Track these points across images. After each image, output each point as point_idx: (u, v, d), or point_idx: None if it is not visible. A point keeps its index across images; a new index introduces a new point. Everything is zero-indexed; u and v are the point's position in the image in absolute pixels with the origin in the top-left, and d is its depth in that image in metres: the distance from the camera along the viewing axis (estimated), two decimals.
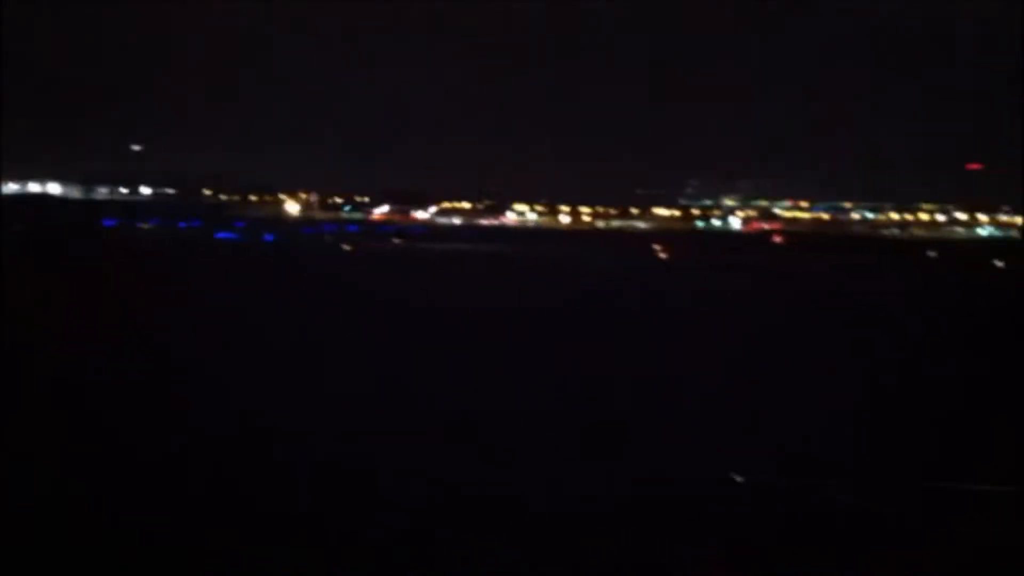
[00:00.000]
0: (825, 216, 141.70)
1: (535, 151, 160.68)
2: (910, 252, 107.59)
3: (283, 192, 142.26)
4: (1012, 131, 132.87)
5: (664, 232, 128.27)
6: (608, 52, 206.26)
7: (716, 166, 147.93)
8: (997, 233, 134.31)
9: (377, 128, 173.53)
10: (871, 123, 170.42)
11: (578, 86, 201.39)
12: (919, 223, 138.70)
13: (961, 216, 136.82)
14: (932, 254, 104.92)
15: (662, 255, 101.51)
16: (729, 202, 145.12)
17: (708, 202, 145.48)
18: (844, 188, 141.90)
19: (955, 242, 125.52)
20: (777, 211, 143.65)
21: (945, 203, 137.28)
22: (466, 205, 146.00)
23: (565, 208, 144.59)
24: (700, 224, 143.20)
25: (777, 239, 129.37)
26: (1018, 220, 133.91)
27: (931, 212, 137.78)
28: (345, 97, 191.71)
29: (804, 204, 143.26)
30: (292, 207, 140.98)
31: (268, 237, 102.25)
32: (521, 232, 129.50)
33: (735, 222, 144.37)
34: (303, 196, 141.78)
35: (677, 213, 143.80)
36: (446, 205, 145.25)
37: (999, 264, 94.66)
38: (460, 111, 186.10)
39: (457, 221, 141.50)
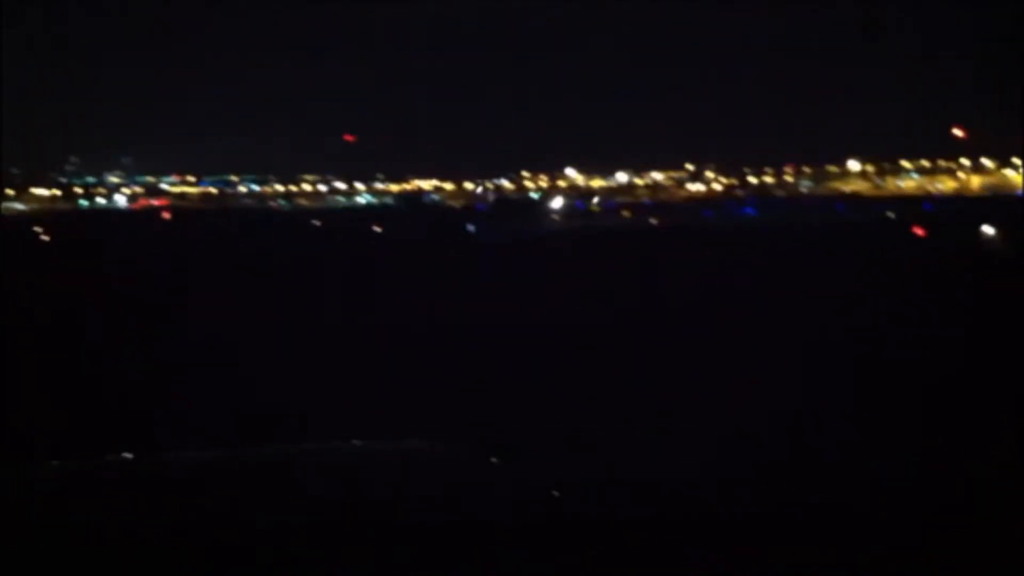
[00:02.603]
0: (213, 190, 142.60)
1: None
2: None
3: None
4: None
5: (46, 213, 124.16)
6: None
7: (99, 141, 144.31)
8: (375, 201, 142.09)
9: None
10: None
11: None
12: (304, 194, 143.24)
13: (341, 185, 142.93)
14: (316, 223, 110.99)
15: (45, 237, 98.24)
16: (114, 179, 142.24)
17: (91, 180, 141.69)
18: (230, 162, 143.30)
19: (339, 211, 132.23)
20: (164, 187, 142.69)
21: (325, 174, 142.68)
22: None
23: None
24: (84, 203, 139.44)
25: (166, 215, 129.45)
26: (393, 187, 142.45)
27: (313, 183, 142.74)
28: None
29: (191, 179, 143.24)
30: None
31: None
32: None
33: (121, 200, 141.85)
34: None
35: (58, 192, 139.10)
36: None
37: (378, 229, 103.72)
38: None
39: None
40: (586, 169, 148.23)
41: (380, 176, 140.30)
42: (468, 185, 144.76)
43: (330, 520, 13.90)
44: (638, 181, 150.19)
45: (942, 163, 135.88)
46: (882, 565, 13.68)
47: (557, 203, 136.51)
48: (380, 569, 12.89)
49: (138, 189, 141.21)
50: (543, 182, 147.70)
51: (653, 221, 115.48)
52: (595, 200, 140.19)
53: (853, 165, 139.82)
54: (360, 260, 70.84)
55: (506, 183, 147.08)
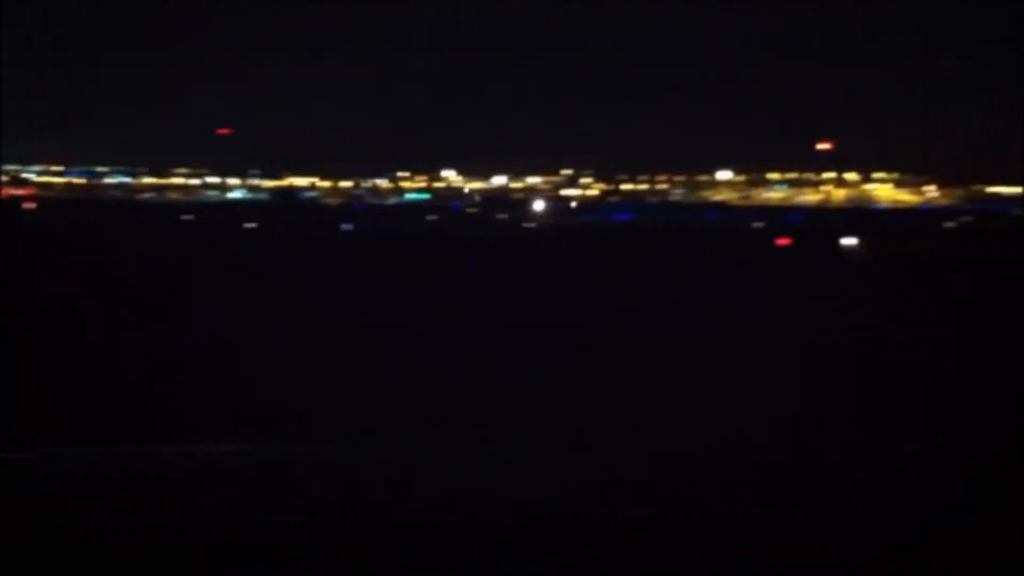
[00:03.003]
0: (80, 180, 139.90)
1: None
2: None
3: None
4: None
5: None
6: None
7: None
8: (248, 195, 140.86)
9: None
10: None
11: None
12: (175, 187, 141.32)
13: (214, 180, 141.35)
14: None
15: None
16: None
17: None
18: (97, 153, 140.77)
19: (211, 205, 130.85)
20: (29, 176, 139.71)
21: (199, 168, 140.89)
22: None
23: None
24: None
25: (30, 205, 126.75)
26: (268, 183, 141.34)
27: (186, 176, 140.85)
28: None
29: (57, 168, 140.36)
30: None
31: None
32: None
33: None
34: None
35: None
36: None
37: (251, 225, 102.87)
38: None
39: None
40: (464, 171, 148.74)
41: (255, 172, 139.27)
42: (344, 184, 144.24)
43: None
44: (515, 184, 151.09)
45: (809, 176, 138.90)
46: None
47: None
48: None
49: (3, 178, 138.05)
50: (421, 183, 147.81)
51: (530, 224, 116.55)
52: (476, 199, 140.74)
53: (723, 175, 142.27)
54: (232, 256, 70.35)
55: (383, 183, 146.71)
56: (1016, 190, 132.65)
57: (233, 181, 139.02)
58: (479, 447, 19.06)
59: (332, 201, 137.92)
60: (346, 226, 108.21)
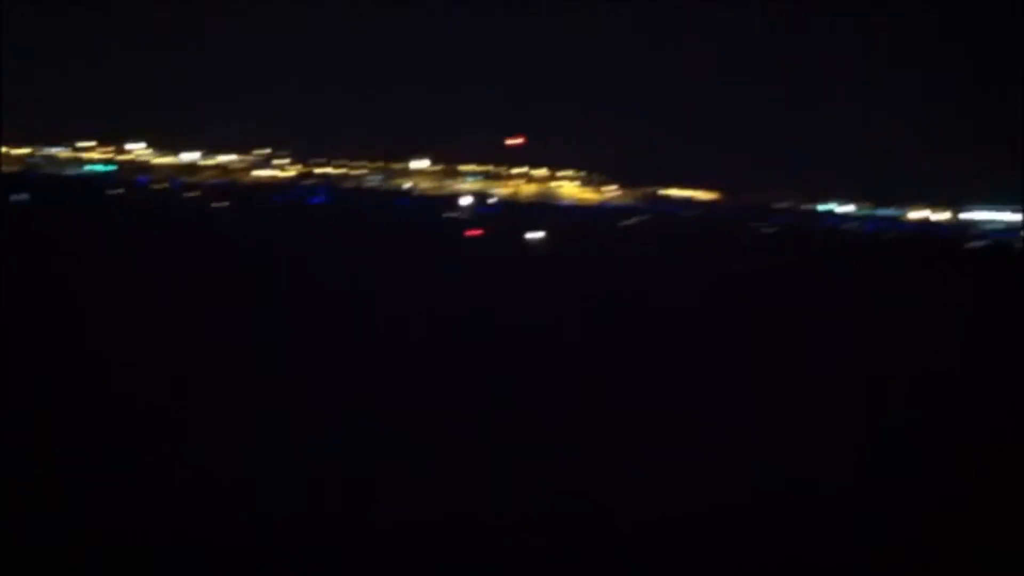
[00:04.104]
0: None
1: None
2: None
3: None
4: None
5: None
6: None
7: None
8: None
9: None
10: None
11: None
12: None
13: None
14: None
15: None
16: None
17: None
18: None
19: None
20: None
21: None
22: None
23: None
24: None
25: None
26: None
27: None
28: None
29: None
30: None
31: None
32: None
33: None
34: None
35: None
36: None
37: None
38: None
39: None
40: (154, 145, 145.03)
41: None
42: (20, 151, 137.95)
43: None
44: (206, 162, 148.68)
45: (501, 169, 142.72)
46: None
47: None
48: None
49: None
50: (108, 154, 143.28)
51: (222, 204, 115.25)
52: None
53: (418, 164, 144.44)
54: None
55: (61, 152, 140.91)
56: (687, 193, 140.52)
57: None
58: None
59: (8, 169, 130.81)
60: (18, 196, 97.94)
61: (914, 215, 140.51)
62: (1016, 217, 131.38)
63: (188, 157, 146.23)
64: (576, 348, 32.73)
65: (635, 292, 51.02)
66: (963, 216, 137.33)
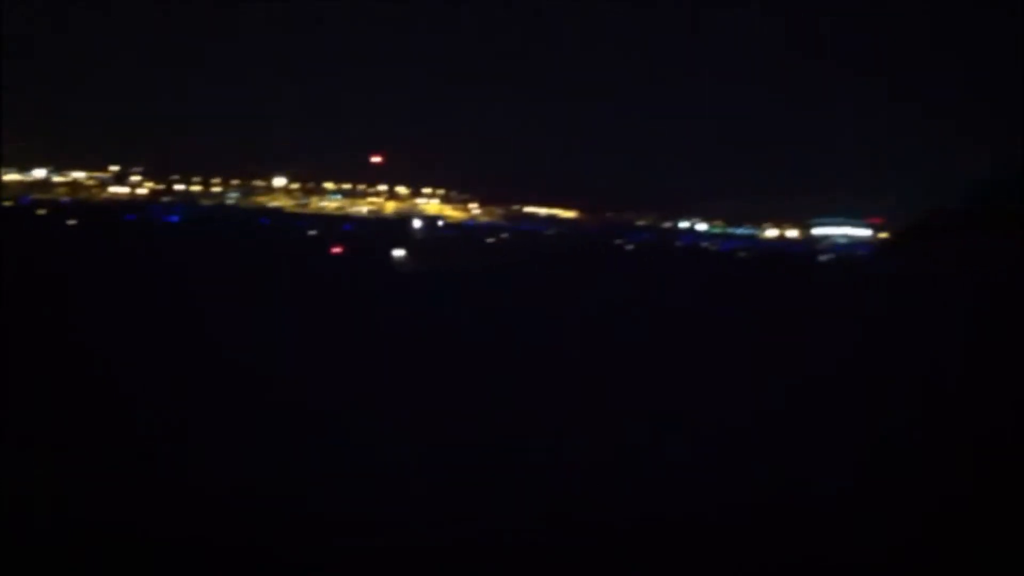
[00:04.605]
0: None
1: None
2: None
3: None
4: None
5: None
6: None
7: None
8: None
9: None
10: None
11: None
12: None
13: None
14: None
15: None
16: None
17: None
18: None
19: None
20: None
21: None
22: None
23: None
24: None
25: None
26: None
27: None
28: None
29: None
30: None
31: None
32: None
33: None
34: None
35: None
36: None
37: None
38: None
39: None
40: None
41: None
42: None
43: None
44: (58, 179, 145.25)
45: (362, 187, 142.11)
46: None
47: None
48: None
49: None
50: None
51: (71, 222, 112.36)
52: None
53: (279, 181, 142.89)
54: None
55: None
56: (549, 211, 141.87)
57: None
58: None
59: None
60: None
61: (769, 233, 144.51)
62: (863, 232, 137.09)
63: (38, 173, 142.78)
64: (450, 362, 32.24)
65: (504, 306, 50.94)
66: (814, 232, 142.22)
